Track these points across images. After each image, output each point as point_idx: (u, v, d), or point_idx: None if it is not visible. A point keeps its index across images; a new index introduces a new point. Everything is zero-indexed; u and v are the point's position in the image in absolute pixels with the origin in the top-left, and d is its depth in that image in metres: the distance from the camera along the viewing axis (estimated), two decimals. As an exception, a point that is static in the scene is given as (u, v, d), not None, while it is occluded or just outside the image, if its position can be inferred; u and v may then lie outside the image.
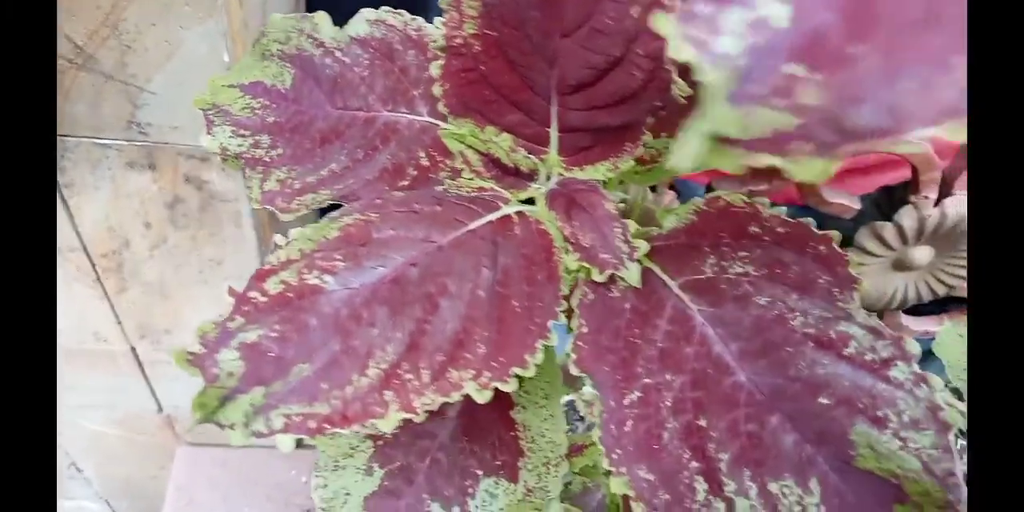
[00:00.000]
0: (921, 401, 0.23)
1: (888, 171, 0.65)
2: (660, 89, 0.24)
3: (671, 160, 0.14)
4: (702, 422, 0.24)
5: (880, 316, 0.67)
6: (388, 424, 0.21)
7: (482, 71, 0.27)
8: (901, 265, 0.60)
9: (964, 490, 0.21)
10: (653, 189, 0.53)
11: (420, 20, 0.32)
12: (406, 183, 0.30)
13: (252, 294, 0.23)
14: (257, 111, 0.32)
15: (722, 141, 0.15)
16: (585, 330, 0.26)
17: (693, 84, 0.25)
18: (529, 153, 0.28)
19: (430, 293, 0.24)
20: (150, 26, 0.48)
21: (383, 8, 0.32)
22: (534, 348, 0.24)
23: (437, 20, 0.27)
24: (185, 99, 0.51)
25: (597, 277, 0.26)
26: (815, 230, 0.25)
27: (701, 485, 0.24)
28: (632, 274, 0.26)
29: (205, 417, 0.21)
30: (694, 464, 0.24)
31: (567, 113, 0.27)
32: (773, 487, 0.23)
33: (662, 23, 0.15)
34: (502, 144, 0.27)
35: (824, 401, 0.24)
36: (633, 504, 0.24)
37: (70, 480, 0.87)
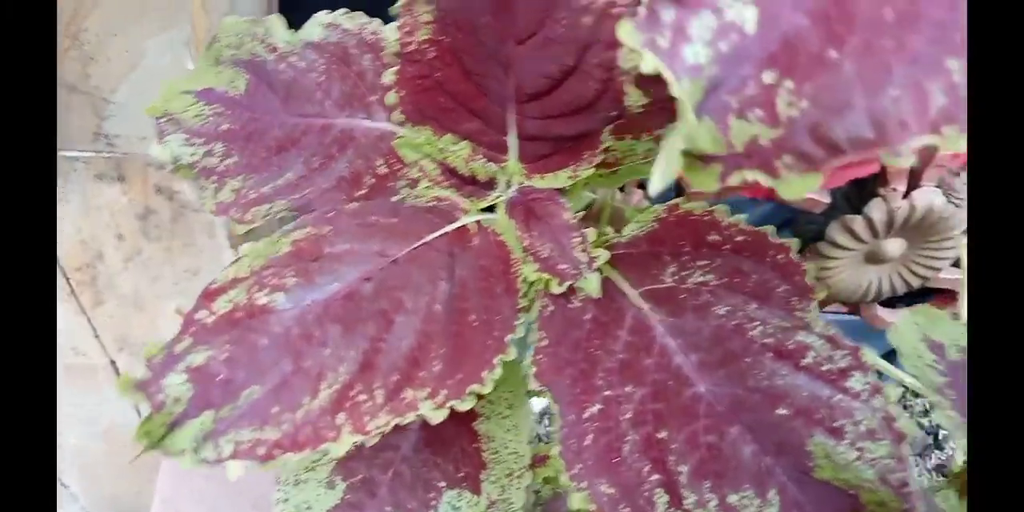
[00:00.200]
0: (877, 411, 0.22)
1: (857, 165, 0.65)
2: (615, 99, 0.24)
3: (650, 185, 0.14)
4: (662, 434, 0.24)
5: (857, 308, 0.68)
6: (340, 448, 0.21)
7: (437, 78, 0.26)
8: (874, 258, 0.60)
9: (918, 499, 0.21)
10: (622, 188, 0.52)
11: (376, 23, 0.31)
12: (364, 192, 0.29)
13: (200, 314, 0.23)
14: (210, 118, 0.31)
15: (698, 158, 0.14)
16: (545, 342, 0.25)
17: (652, 94, 0.24)
18: (488, 161, 0.28)
19: (384, 309, 0.24)
20: (111, 36, 0.47)
21: (339, 11, 0.31)
22: (492, 364, 0.24)
23: (392, 24, 0.26)
24: (150, 107, 0.50)
25: (555, 288, 0.25)
26: (773, 238, 0.25)
27: (661, 498, 0.24)
28: (591, 284, 0.26)
29: (151, 445, 0.21)
30: (654, 477, 0.24)
31: (525, 121, 0.27)
32: (732, 498, 0.23)
33: (625, 32, 0.14)
34: (459, 153, 0.27)
35: (782, 412, 0.23)
36: (594, 518, 0.23)
37: (57, 496, 0.86)
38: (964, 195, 0.57)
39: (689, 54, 0.13)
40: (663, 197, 0.51)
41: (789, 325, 0.24)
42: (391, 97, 0.26)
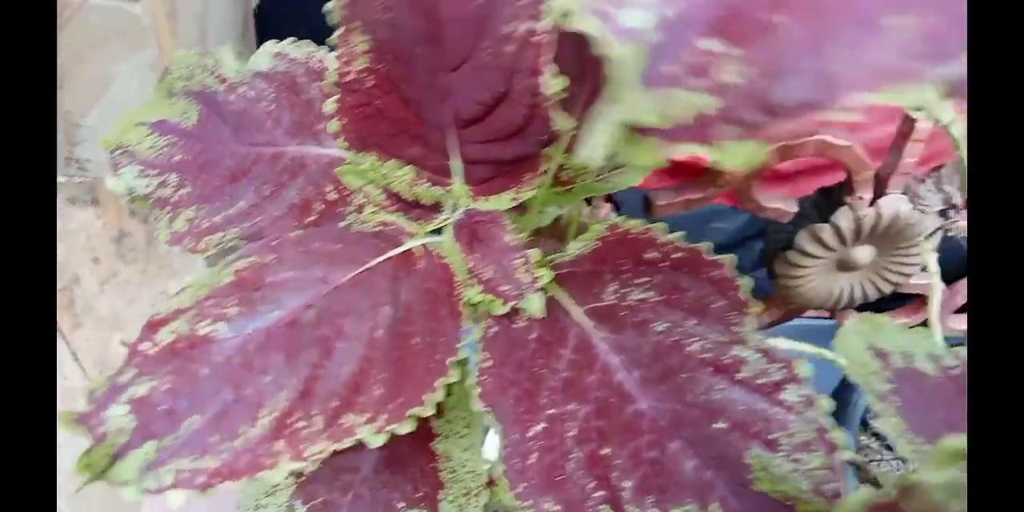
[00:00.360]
0: (811, 423, 0.23)
1: (823, 173, 0.66)
2: (543, 123, 0.24)
3: (581, 153, 0.13)
4: (606, 451, 0.25)
5: (832, 315, 0.68)
6: (277, 475, 0.21)
7: (377, 106, 0.27)
8: (845, 265, 0.61)
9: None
10: (588, 202, 0.53)
11: (323, 51, 0.31)
12: (314, 218, 0.30)
13: (143, 346, 0.23)
14: (164, 150, 0.32)
15: (638, 130, 0.13)
16: (489, 363, 0.26)
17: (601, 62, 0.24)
18: (433, 185, 0.28)
19: (326, 336, 0.24)
20: (80, 62, 0.48)
21: (287, 40, 0.31)
22: (434, 387, 0.24)
23: (334, 53, 0.27)
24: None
25: (498, 309, 0.26)
26: (709, 255, 0.25)
27: (606, 514, 0.24)
28: (533, 305, 0.26)
29: (94, 477, 0.21)
30: (599, 493, 0.24)
31: (466, 146, 0.27)
32: (675, 513, 0.24)
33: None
34: (403, 178, 0.27)
35: (721, 426, 0.24)
36: (539, 537, 0.24)
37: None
38: (929, 202, 0.57)
39: (629, 18, 0.13)
40: (633, 212, 0.52)
41: (726, 340, 0.25)
42: (333, 125, 0.27)
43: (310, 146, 0.31)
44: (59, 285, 0.62)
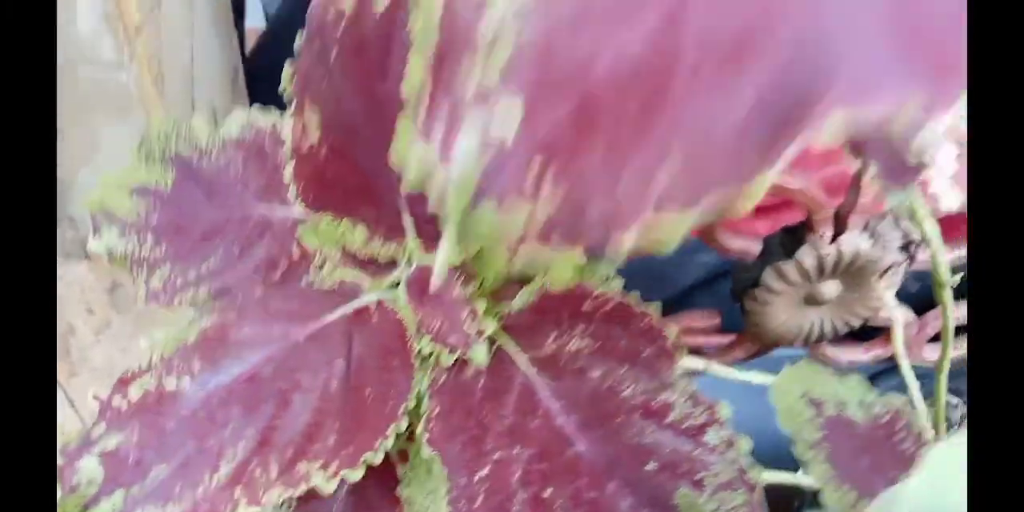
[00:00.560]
0: (732, 464, 0.25)
1: (786, 212, 0.68)
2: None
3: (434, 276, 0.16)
4: (548, 492, 0.26)
5: (806, 347, 0.70)
6: (233, 521, 0.23)
7: (331, 173, 0.29)
8: (813, 300, 0.62)
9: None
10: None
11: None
12: (279, 275, 0.32)
13: (115, 401, 0.25)
14: (142, 213, 0.34)
15: (488, 239, 0.17)
16: (437, 411, 0.27)
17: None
18: (387, 242, 0.30)
19: (284, 389, 0.26)
20: (71, 125, 0.50)
21: (254, 107, 0.34)
22: (386, 434, 0.26)
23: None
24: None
25: (446, 360, 0.28)
26: (637, 306, 0.27)
27: (547, 553, 0.26)
28: (479, 355, 0.28)
29: (64, 525, 0.23)
30: (541, 533, 0.26)
31: (416, 205, 0.30)
32: (612, 551, 0.25)
33: (403, 130, 0.16)
34: (357, 237, 0.30)
35: (651, 467, 0.26)
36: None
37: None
38: (889, 238, 0.59)
39: (460, 149, 0.15)
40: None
41: (655, 385, 0.26)
42: (291, 191, 0.29)
43: (276, 207, 0.33)
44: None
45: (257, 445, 0.25)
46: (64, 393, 0.68)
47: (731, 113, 0.15)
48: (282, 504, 0.26)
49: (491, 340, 0.29)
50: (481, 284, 0.27)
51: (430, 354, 0.28)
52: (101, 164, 0.53)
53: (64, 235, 0.56)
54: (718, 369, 0.46)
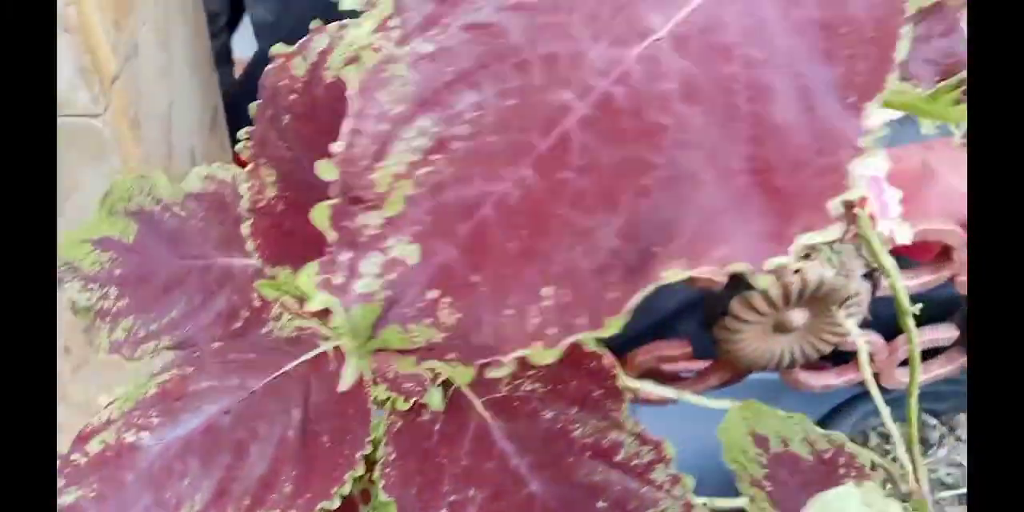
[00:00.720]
0: (678, 500, 0.25)
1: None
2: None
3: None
4: (503, 532, 0.27)
5: (779, 373, 0.71)
6: (189, 573, 0.24)
7: (288, 227, 0.30)
8: (782, 327, 0.64)
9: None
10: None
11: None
12: (240, 325, 0.32)
13: (74, 456, 0.26)
14: (105, 265, 0.35)
15: (398, 351, 0.18)
16: (393, 457, 0.28)
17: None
18: (345, 291, 0.31)
19: (241, 439, 0.27)
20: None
21: (215, 164, 0.35)
22: (343, 480, 0.27)
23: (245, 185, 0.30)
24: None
25: (401, 406, 0.28)
26: (587, 348, 0.28)
27: (503, 593, 0.26)
28: (434, 399, 0.29)
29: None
30: (497, 574, 0.26)
31: (371, 254, 0.30)
32: (566, 590, 0.26)
33: (305, 275, 0.18)
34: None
35: (602, 505, 0.26)
36: None
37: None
38: (851, 266, 0.61)
39: (360, 287, 0.17)
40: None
41: (604, 425, 0.27)
42: (249, 245, 0.30)
43: (236, 258, 0.34)
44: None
45: (214, 496, 0.25)
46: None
47: (593, 257, 0.16)
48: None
49: (447, 383, 0.29)
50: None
51: (386, 399, 0.29)
52: (75, 210, 0.53)
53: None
54: (689, 397, 0.47)
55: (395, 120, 0.18)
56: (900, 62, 0.17)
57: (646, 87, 0.17)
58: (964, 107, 0.25)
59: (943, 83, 0.25)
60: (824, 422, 0.73)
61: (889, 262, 0.46)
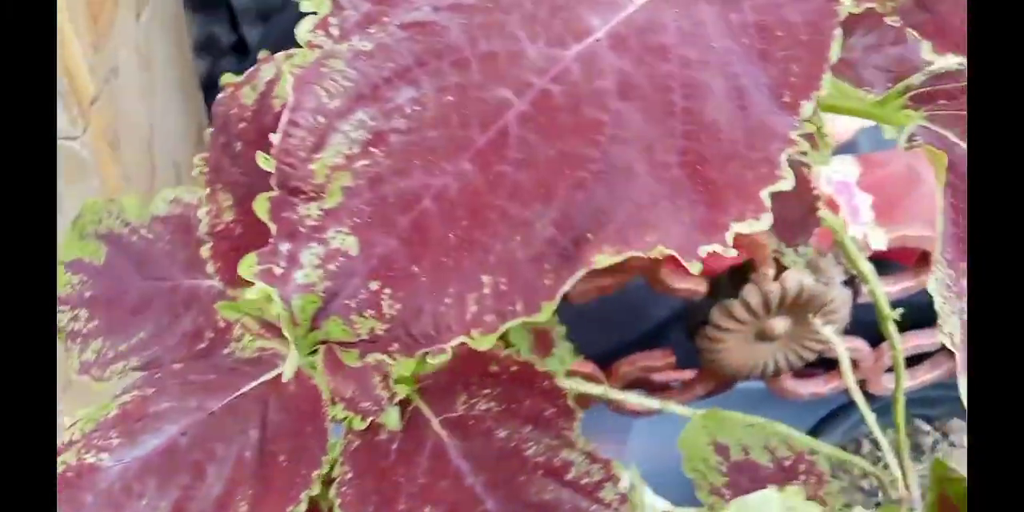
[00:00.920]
0: (625, 518, 0.26)
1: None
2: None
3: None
4: (458, 550, 0.27)
5: (766, 380, 0.71)
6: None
7: (247, 249, 0.30)
8: (764, 336, 0.64)
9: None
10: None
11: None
12: (204, 345, 0.33)
13: (34, 479, 0.26)
14: (76, 287, 0.35)
15: (341, 344, 0.19)
16: (349, 476, 0.28)
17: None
18: (307, 311, 0.32)
19: (198, 459, 0.27)
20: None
21: (181, 187, 0.35)
22: (297, 499, 0.27)
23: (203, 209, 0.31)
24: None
25: (358, 425, 0.29)
26: (540, 367, 0.29)
27: (457, 611, 0.26)
28: (391, 419, 0.29)
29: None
30: (451, 591, 0.27)
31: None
32: (518, 607, 0.26)
33: (245, 265, 0.18)
34: (274, 308, 0.31)
35: (553, 523, 0.27)
36: None
37: None
38: (832, 274, 0.61)
39: (300, 277, 0.17)
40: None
41: (556, 444, 0.28)
42: (209, 267, 0.30)
43: (201, 280, 0.34)
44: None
45: (170, 516, 0.26)
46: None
47: (529, 247, 0.17)
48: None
49: (406, 402, 0.30)
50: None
51: (344, 419, 0.29)
52: (58, 231, 0.54)
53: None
54: (674, 408, 0.47)
55: (333, 113, 0.18)
56: (852, 67, 0.18)
57: (584, 85, 0.18)
58: (911, 112, 0.25)
59: (892, 89, 0.26)
60: (816, 430, 0.73)
61: (867, 267, 0.46)
